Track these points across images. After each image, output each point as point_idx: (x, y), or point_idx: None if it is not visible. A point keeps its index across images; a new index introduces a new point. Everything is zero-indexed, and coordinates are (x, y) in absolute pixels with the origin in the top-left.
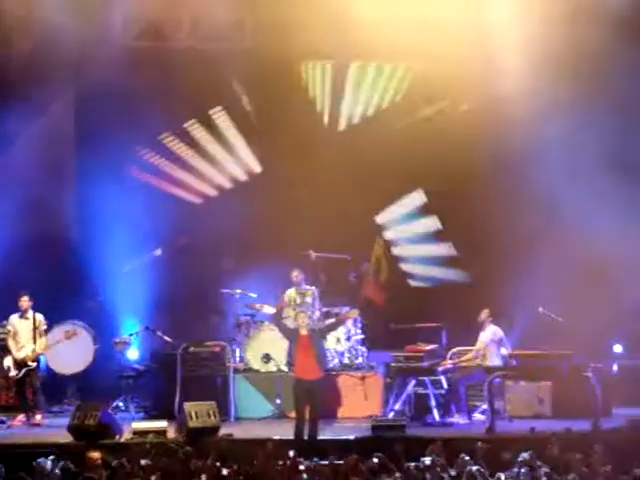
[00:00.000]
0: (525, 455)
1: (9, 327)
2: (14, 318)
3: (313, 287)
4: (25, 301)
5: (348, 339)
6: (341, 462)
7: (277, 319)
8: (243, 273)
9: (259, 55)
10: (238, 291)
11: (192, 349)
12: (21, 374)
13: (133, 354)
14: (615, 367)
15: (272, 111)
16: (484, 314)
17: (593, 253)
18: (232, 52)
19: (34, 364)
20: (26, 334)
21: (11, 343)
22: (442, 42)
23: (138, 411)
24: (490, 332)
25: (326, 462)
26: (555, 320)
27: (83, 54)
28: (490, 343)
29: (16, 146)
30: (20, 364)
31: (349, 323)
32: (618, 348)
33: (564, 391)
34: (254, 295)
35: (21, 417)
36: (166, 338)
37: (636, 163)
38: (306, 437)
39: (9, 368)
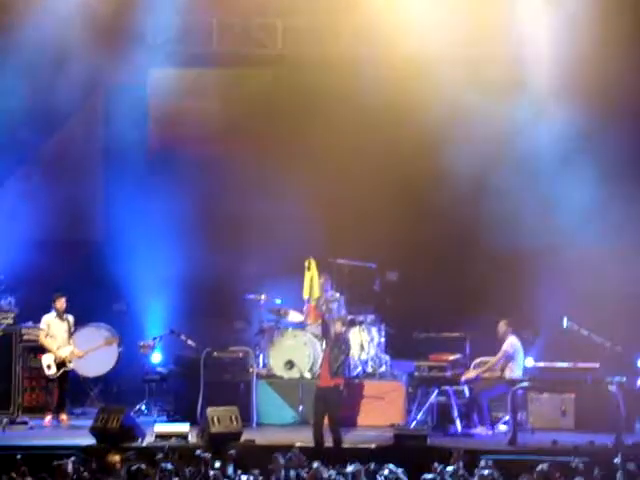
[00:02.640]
0: (544, 466)
1: (44, 326)
2: (50, 318)
3: (337, 294)
4: (63, 302)
5: (370, 347)
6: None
7: (323, 323)
8: (269, 279)
9: None
10: (263, 297)
11: (216, 354)
12: (59, 373)
13: (157, 358)
14: (639, 382)
15: None
16: (503, 325)
17: (619, 267)
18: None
19: (71, 365)
20: (62, 335)
21: (49, 341)
22: None
23: (160, 414)
24: (509, 343)
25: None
26: (580, 333)
27: None
28: (509, 354)
29: (46, 151)
30: (60, 364)
31: (373, 330)
32: None
33: (587, 404)
34: (279, 301)
35: (49, 418)
36: (190, 342)
37: None
38: (331, 444)
39: (49, 366)
